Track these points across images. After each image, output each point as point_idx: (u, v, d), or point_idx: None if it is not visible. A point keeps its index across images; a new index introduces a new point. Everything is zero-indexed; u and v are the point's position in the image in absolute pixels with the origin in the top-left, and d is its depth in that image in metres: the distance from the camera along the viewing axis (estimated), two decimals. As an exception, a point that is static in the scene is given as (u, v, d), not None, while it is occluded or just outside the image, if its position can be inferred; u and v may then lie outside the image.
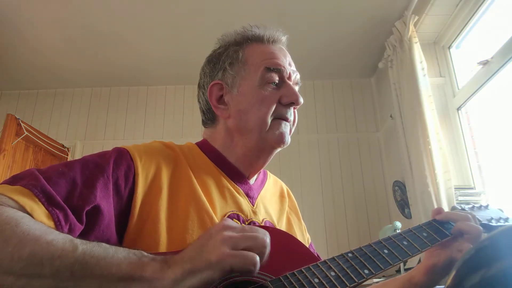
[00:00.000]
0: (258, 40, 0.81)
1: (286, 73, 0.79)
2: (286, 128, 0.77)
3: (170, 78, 3.26)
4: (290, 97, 0.77)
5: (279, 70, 0.78)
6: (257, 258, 0.46)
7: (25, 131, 2.58)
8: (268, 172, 0.93)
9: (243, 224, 0.53)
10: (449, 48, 2.51)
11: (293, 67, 0.82)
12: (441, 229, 0.72)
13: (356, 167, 3.07)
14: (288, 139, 0.77)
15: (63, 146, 3.01)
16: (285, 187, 0.95)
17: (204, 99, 0.83)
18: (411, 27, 2.29)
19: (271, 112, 0.75)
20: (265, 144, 0.77)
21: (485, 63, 2.02)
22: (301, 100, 0.77)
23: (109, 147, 0.71)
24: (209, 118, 0.83)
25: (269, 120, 0.75)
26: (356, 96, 3.29)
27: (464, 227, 0.70)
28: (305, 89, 3.22)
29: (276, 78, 0.77)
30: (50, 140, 2.88)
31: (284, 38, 0.84)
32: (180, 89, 3.35)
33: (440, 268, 0.73)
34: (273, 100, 0.76)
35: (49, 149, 2.85)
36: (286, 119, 0.77)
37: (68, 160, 2.43)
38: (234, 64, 0.79)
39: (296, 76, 0.81)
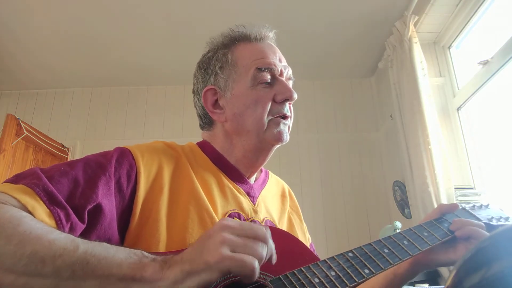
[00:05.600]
0: (245, 39, 0.80)
1: (278, 70, 0.78)
2: (285, 127, 0.77)
3: (170, 78, 3.25)
4: (284, 94, 0.76)
5: (270, 69, 0.77)
6: (256, 263, 0.45)
7: (25, 131, 2.58)
8: (270, 172, 0.93)
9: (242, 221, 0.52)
10: (449, 48, 2.51)
11: (284, 63, 0.80)
12: (441, 228, 0.72)
13: (356, 167, 3.07)
14: (286, 137, 0.77)
15: (63, 146, 3.00)
16: (286, 187, 0.95)
17: (200, 105, 0.83)
18: (411, 27, 2.29)
19: (267, 112, 0.75)
20: (263, 144, 0.77)
21: (485, 63, 2.02)
22: (295, 95, 0.76)
23: (109, 147, 0.71)
24: (206, 122, 0.83)
25: (266, 120, 0.75)
26: (356, 96, 3.29)
27: (471, 232, 0.69)
28: (305, 89, 3.21)
29: (268, 77, 0.76)
30: (50, 140, 2.88)
31: (271, 34, 0.83)
32: (180, 89, 3.35)
33: (435, 264, 0.72)
34: (267, 99, 0.75)
35: (49, 149, 2.85)
36: (285, 115, 0.77)
37: (68, 160, 2.43)
38: (224, 68, 0.78)
39: (288, 71, 0.80)
